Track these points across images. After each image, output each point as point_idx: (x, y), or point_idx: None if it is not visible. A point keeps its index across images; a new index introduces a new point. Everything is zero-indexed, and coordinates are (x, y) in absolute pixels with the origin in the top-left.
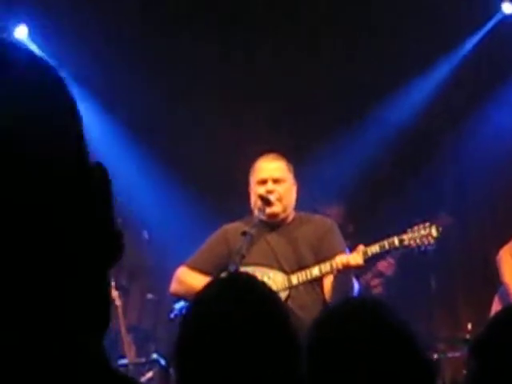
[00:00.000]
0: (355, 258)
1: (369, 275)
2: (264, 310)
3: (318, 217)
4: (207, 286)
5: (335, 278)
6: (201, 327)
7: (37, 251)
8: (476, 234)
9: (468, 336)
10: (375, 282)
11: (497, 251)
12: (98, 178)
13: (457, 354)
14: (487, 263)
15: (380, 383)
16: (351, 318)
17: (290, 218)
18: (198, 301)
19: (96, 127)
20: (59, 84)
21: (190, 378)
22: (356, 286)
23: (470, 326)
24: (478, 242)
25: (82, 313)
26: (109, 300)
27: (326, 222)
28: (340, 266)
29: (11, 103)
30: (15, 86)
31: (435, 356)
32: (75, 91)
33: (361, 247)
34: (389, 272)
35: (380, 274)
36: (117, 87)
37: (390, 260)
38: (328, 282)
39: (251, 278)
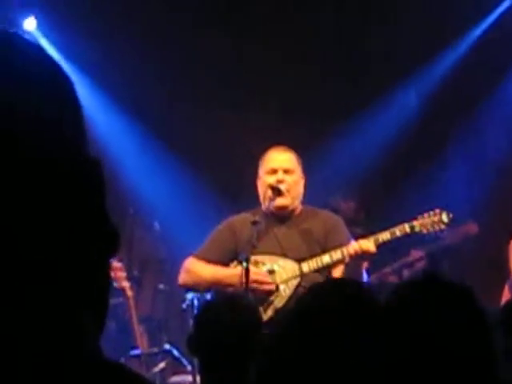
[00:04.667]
0: (367, 244)
1: (387, 270)
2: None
3: (324, 212)
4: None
5: (346, 266)
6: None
7: (32, 242)
8: (488, 226)
9: None
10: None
11: (508, 241)
12: (94, 172)
13: None
14: (498, 253)
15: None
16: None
17: (298, 210)
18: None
19: (107, 121)
20: (61, 79)
21: None
22: (365, 276)
23: None
24: (490, 232)
25: (79, 305)
26: (107, 294)
27: (332, 218)
28: (352, 252)
29: (10, 93)
30: (16, 77)
31: None
32: (84, 81)
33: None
34: (420, 264)
35: (411, 265)
36: (127, 78)
37: (411, 256)
38: (337, 273)
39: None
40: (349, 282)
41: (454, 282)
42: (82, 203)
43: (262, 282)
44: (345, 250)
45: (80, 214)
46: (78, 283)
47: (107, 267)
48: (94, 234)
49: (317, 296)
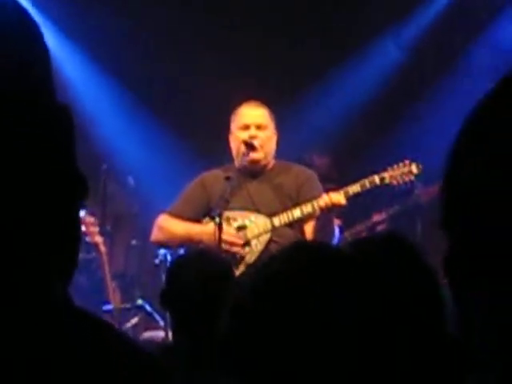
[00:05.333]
0: (337, 197)
1: (360, 227)
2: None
3: (297, 166)
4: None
5: (317, 220)
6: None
7: None
8: None
9: None
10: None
11: None
12: (64, 117)
13: None
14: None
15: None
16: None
17: (270, 166)
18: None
19: (81, 76)
20: (29, 23)
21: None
22: (336, 231)
23: None
24: None
25: (47, 253)
26: (76, 242)
27: (305, 172)
28: (322, 205)
29: None
30: None
31: None
32: (59, 37)
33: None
34: (382, 226)
35: (373, 227)
36: (102, 34)
37: (383, 214)
38: (308, 229)
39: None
40: (317, 242)
41: (409, 241)
42: (50, 146)
43: (232, 244)
44: (315, 203)
45: (48, 157)
46: (44, 227)
47: (75, 213)
48: (62, 177)
49: (285, 257)
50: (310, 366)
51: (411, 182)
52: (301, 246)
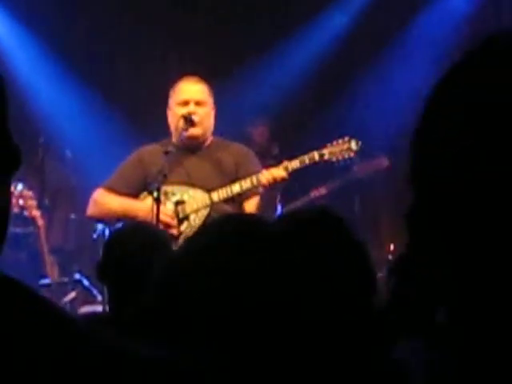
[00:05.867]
0: (278, 171)
1: (299, 203)
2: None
3: (235, 144)
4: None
5: (261, 197)
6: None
7: None
8: (400, 161)
9: (390, 257)
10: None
11: None
12: None
13: (380, 275)
14: (409, 188)
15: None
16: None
17: (208, 141)
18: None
19: (18, 48)
20: None
21: None
22: (279, 208)
23: (392, 247)
24: (401, 167)
25: None
26: (6, 212)
27: (243, 149)
28: (265, 181)
29: None
30: None
31: None
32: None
33: (285, 163)
34: (321, 201)
35: (312, 203)
36: (41, 6)
37: (322, 189)
38: (249, 206)
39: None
40: (242, 216)
41: (339, 215)
42: None
43: (166, 225)
44: (254, 178)
45: None
46: None
47: (6, 185)
48: None
49: (210, 232)
50: (237, 341)
51: (350, 158)
52: (228, 219)
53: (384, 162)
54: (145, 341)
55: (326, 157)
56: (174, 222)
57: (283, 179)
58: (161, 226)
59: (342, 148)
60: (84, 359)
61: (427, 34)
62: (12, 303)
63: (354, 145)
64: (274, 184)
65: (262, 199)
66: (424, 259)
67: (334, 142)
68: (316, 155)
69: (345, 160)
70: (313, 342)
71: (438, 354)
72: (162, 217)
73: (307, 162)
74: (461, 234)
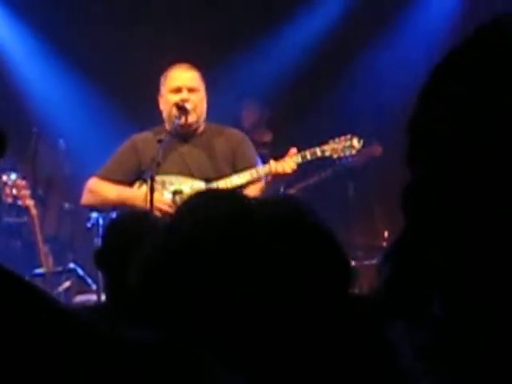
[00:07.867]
0: (289, 164)
1: (293, 190)
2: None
3: (228, 129)
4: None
5: (263, 188)
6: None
7: None
8: (393, 147)
9: (385, 244)
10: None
11: None
12: None
13: (373, 262)
14: (402, 174)
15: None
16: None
17: (202, 128)
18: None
19: (10, 37)
20: None
21: None
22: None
23: (386, 234)
24: (395, 154)
25: None
26: None
27: (237, 134)
28: (274, 172)
29: None
30: None
31: (353, 263)
32: None
33: (293, 150)
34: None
35: (305, 190)
36: None
37: (315, 177)
38: (252, 190)
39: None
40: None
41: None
42: None
43: (162, 212)
44: (254, 171)
45: None
46: None
47: None
48: None
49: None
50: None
51: (352, 156)
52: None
53: (378, 149)
54: (138, 326)
55: (327, 153)
56: (172, 211)
57: (290, 174)
58: (158, 215)
59: (344, 145)
60: (77, 348)
61: (419, 24)
62: (5, 293)
63: (356, 142)
64: (281, 176)
65: (264, 190)
66: (422, 240)
67: (337, 139)
68: (318, 151)
69: (346, 157)
70: (292, 328)
71: (433, 340)
72: (160, 205)
73: (309, 157)
74: (461, 212)
